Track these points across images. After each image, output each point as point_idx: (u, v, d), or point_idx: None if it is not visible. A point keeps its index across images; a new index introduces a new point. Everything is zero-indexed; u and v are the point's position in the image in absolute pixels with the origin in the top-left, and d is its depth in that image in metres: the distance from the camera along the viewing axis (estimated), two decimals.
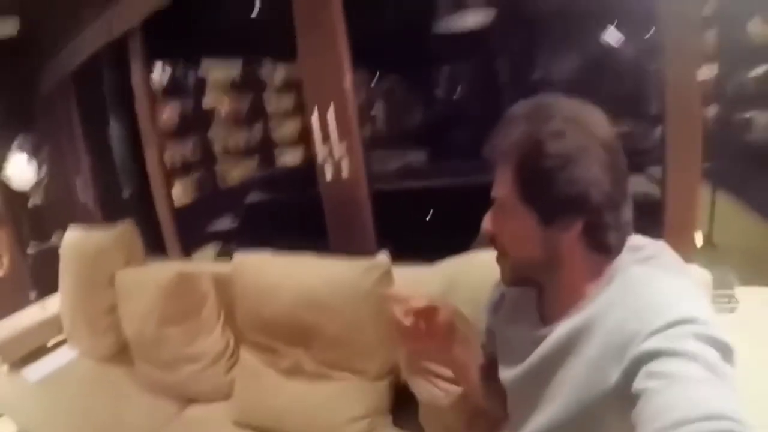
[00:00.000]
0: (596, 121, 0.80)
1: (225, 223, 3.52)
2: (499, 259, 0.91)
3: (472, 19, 3.31)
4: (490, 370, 1.10)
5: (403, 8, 3.21)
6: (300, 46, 1.88)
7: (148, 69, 2.69)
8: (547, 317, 0.92)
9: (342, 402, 1.60)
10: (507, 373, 1.01)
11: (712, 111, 2.44)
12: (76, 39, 3.00)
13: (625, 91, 2.78)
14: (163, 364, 1.99)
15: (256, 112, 4.61)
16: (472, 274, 1.38)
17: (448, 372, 1.35)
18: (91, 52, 2.95)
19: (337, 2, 1.80)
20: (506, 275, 0.92)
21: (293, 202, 3.18)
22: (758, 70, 2.42)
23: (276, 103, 4.81)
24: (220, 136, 4.33)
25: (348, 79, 1.84)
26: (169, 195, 2.82)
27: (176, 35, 3.38)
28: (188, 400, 2.00)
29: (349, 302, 1.56)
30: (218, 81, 4.42)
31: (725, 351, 0.66)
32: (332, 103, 1.84)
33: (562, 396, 0.85)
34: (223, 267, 2.03)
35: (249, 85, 4.60)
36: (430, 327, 1.00)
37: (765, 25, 2.32)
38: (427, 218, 2.54)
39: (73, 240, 2.44)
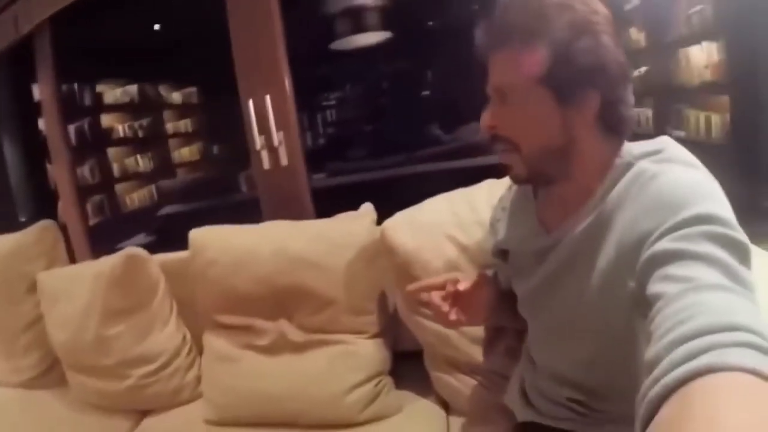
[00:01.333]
0: None
1: (138, 240, 3.21)
2: (507, 157, 0.84)
3: (367, 38, 3.37)
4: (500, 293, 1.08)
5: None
6: (235, 42, 1.87)
7: (59, 76, 2.37)
8: (550, 224, 0.88)
9: (341, 368, 1.44)
10: (520, 289, 0.98)
11: None
12: None
13: None
14: (107, 373, 1.66)
15: (155, 134, 4.36)
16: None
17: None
18: None
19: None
20: (519, 171, 0.84)
21: (212, 207, 3.00)
22: (641, 70, 2.68)
23: (174, 126, 4.59)
24: (118, 158, 4.04)
25: (288, 80, 1.87)
26: (83, 213, 2.54)
27: (71, 56, 3.12)
28: (142, 411, 1.71)
29: (342, 255, 1.44)
30: (115, 102, 4.14)
31: (744, 253, 0.62)
32: (268, 96, 1.82)
33: (580, 308, 0.80)
34: (164, 256, 1.79)
35: (147, 106, 4.36)
36: (472, 299, 0.99)
37: (639, 33, 2.62)
38: None
39: None
